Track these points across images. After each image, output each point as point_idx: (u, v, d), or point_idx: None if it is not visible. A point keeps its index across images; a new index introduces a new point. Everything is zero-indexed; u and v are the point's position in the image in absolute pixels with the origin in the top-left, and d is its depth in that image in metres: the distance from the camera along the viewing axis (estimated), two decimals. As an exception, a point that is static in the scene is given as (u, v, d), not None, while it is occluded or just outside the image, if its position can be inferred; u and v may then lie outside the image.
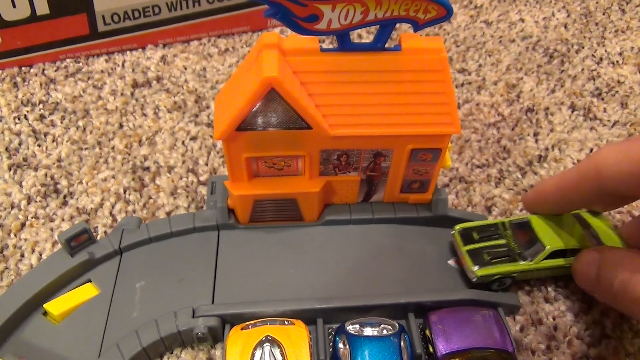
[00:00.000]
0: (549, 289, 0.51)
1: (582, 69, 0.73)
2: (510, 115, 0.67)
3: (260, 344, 0.43)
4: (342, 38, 0.42)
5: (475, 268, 0.48)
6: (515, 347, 0.44)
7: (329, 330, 0.48)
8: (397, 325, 0.44)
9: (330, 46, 0.43)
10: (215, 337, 0.47)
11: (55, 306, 0.46)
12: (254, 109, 0.42)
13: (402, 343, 0.43)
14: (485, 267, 0.48)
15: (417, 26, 0.41)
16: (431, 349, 0.44)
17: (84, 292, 0.48)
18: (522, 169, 0.61)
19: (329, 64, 0.43)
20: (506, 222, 0.51)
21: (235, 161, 0.47)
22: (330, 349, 0.46)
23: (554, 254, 0.48)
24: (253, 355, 0.42)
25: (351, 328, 0.44)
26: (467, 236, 0.50)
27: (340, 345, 0.44)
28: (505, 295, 0.49)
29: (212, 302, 0.48)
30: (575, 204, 0.48)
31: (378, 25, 0.41)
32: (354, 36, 0.77)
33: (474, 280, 0.48)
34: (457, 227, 0.51)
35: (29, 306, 0.47)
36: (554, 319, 0.49)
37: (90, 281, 0.49)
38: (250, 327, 0.45)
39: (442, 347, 0.43)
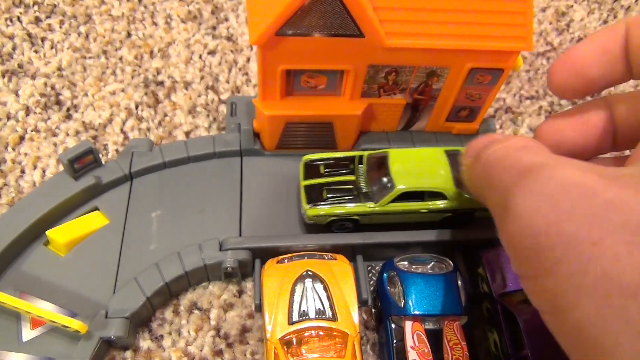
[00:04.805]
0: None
1: (636, 0, 0.67)
2: (561, 45, 0.61)
3: (301, 278, 0.38)
4: None
5: (308, 206, 0.41)
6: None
7: (369, 269, 0.43)
8: (451, 263, 0.40)
9: None
10: (244, 272, 0.42)
11: (60, 234, 0.41)
12: (301, 7, 0.35)
13: (459, 282, 0.39)
14: (320, 206, 0.41)
15: None
16: (485, 288, 0.41)
17: (92, 221, 0.42)
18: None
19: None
20: (365, 155, 0.43)
21: (269, 74, 0.41)
22: (372, 288, 0.42)
23: (407, 196, 0.40)
24: (293, 290, 0.38)
25: (401, 265, 0.40)
26: (313, 169, 0.43)
27: (389, 282, 0.39)
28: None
29: (240, 235, 0.43)
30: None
31: None
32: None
33: (306, 220, 0.41)
34: (305, 157, 0.44)
35: (29, 233, 0.41)
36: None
37: (98, 209, 0.44)
38: (286, 260, 0.40)
39: (499, 286, 0.39)
